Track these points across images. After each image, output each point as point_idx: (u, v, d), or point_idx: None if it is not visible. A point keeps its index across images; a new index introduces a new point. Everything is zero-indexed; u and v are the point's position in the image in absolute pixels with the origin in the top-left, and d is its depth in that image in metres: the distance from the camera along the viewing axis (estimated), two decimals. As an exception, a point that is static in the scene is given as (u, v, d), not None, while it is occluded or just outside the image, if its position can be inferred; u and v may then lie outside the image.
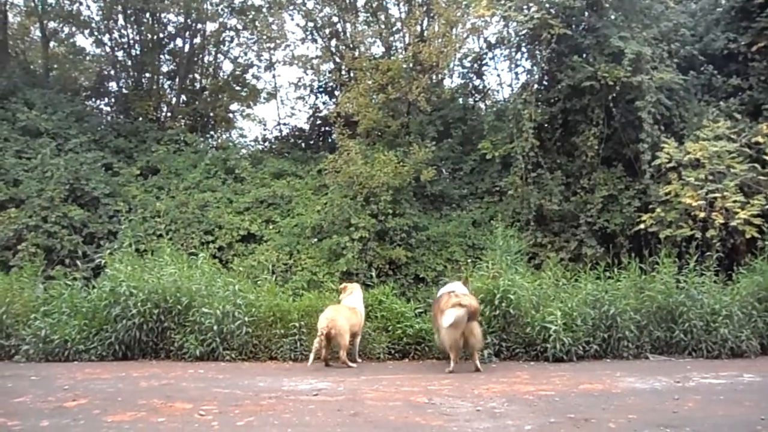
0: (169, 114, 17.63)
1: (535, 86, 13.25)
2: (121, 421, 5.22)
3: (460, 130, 14.23)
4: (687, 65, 13.03)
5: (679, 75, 12.43)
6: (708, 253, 10.06)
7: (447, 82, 16.20)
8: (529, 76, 13.70)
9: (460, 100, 15.62)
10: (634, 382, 6.93)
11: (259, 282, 9.80)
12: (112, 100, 18.10)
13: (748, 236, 10.33)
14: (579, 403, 5.91)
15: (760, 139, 11.41)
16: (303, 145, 17.00)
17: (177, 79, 17.77)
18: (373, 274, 10.84)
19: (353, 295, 8.67)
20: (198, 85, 18.66)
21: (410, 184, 12.52)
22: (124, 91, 17.70)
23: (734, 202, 10.47)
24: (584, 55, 12.52)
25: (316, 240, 11.92)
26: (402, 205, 12.22)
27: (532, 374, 7.45)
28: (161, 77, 18.10)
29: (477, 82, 16.06)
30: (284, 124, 17.97)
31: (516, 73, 14.31)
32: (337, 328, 7.84)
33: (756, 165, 11.11)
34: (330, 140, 15.68)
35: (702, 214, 10.53)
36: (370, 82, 13.49)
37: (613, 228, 11.67)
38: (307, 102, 17.53)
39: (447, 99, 14.80)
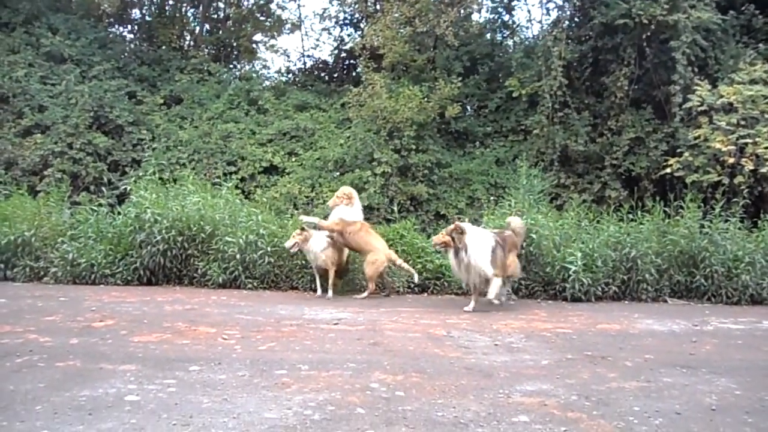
0: (192, 43, 17.50)
1: (566, 23, 12.95)
2: (147, 342, 5.36)
3: (487, 66, 13.97)
4: (726, 4, 12.54)
5: (718, 14, 11.97)
6: (734, 200, 9.92)
7: (475, 17, 15.84)
8: (560, 12, 13.39)
9: (489, 35, 15.31)
10: (652, 324, 6.94)
11: (281, 213, 9.87)
12: (136, 27, 17.94)
13: (776, 183, 10.17)
14: (596, 341, 5.96)
15: (797, 83, 11.08)
16: (327, 77, 16.84)
17: (200, 7, 17.55)
18: (395, 209, 10.87)
19: (356, 205, 8.70)
20: (221, 14, 18.44)
21: (434, 120, 12.43)
22: (147, 18, 17.52)
23: (766, 148, 10.25)
24: (619, -9, 12.11)
25: (338, 173, 11.92)
26: (425, 141, 12.15)
27: (550, 312, 7.50)
28: (185, 5, 17.90)
29: (506, 17, 15.64)
30: (308, 56, 17.80)
31: (547, 9, 14.16)
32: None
33: (792, 111, 10.82)
34: (354, 73, 15.51)
35: (731, 160, 10.35)
36: (396, 15, 13.19)
37: (639, 171, 11.55)
38: (331, 34, 17.27)
39: (475, 34, 14.53)
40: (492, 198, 10.99)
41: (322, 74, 17.11)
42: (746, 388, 4.56)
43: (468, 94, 13.55)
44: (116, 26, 17.84)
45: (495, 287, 7.46)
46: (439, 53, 13.73)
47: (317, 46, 18.04)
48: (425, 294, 8.88)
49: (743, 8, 12.52)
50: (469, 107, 13.72)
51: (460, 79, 12.85)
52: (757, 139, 10.29)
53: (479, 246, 7.37)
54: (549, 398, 4.18)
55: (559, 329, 6.45)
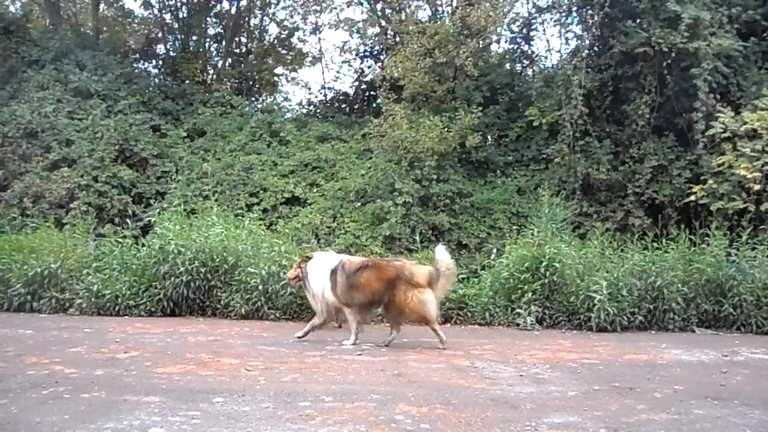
0: (215, 77, 17.80)
1: (586, 52, 12.97)
2: (171, 373, 5.37)
3: (507, 96, 14.02)
4: (748, 31, 12.47)
5: (739, 41, 11.92)
6: (761, 227, 9.79)
7: (494, 47, 15.98)
8: (579, 41, 13.41)
9: (508, 65, 15.37)
10: (680, 354, 6.82)
11: (303, 244, 9.90)
12: (160, 62, 18.32)
13: (805, 210, 10.01)
14: (624, 372, 5.86)
15: (822, 110, 10.95)
16: (347, 109, 16.99)
17: (223, 42, 17.91)
18: (417, 238, 10.86)
19: None
20: (244, 49, 18.78)
21: (455, 150, 12.45)
22: (172, 53, 17.91)
23: (792, 174, 10.13)
24: (638, 20, 12.16)
25: (359, 204, 11.96)
26: (446, 170, 12.17)
27: (575, 343, 7.40)
28: (208, 40, 18.30)
29: (525, 47, 15.68)
30: (329, 88, 17.98)
31: (566, 39, 14.02)
32: None
33: (817, 137, 10.68)
34: (375, 105, 15.64)
35: (757, 187, 10.22)
36: (416, 46, 13.29)
37: (662, 199, 11.43)
38: (352, 66, 17.47)
39: (494, 64, 14.63)
40: (514, 227, 10.93)
41: (343, 106, 17.28)
42: (784, 420, 4.45)
43: (488, 124, 13.58)
44: (141, 62, 18.25)
45: (350, 321, 7.03)
46: (458, 83, 13.81)
47: (338, 78, 18.21)
48: (448, 324, 8.82)
49: (765, 35, 12.45)
50: (489, 137, 13.73)
51: (480, 108, 12.88)
52: (782, 166, 10.18)
53: (317, 271, 6.98)
54: (577, 431, 4.11)
55: (585, 360, 6.36)
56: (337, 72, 18.44)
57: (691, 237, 9.27)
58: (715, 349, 7.12)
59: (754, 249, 9.05)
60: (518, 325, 8.36)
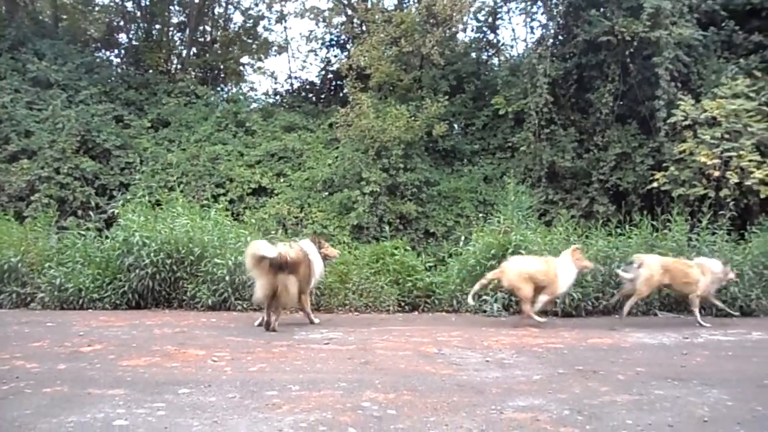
0: (179, 66, 17.55)
1: (551, 41, 13.09)
2: (136, 366, 5.31)
3: (473, 85, 14.09)
4: (707, 21, 12.72)
5: (699, 31, 12.15)
6: (721, 213, 10.01)
7: (461, 36, 16.03)
8: (544, 30, 13.54)
9: (474, 54, 15.44)
10: (643, 338, 6.96)
11: (270, 234, 9.84)
12: (122, 51, 18.02)
13: (762, 196, 10.24)
14: (588, 356, 5.96)
15: (780, 96, 11.22)
16: (314, 98, 16.93)
17: (187, 31, 17.64)
18: (385, 228, 10.88)
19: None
20: (208, 38, 18.55)
21: (422, 139, 12.49)
22: (134, 42, 17.61)
23: (750, 161, 10.36)
24: (601, 9, 12.30)
25: (327, 193, 11.94)
26: (413, 159, 12.20)
27: (541, 328, 7.50)
28: (171, 29, 18.00)
29: (491, 36, 15.83)
30: (295, 77, 17.89)
31: (531, 28, 14.23)
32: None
33: (774, 124, 10.95)
34: (341, 94, 15.59)
35: (716, 173, 10.44)
36: (382, 35, 13.30)
37: (626, 186, 11.62)
38: (318, 55, 17.40)
39: (460, 53, 14.66)
40: (481, 215, 11.01)
41: (310, 95, 17.20)
42: (738, 399, 4.57)
43: (455, 113, 13.65)
44: (103, 51, 17.91)
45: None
46: (425, 72, 13.83)
47: (304, 67, 18.19)
48: (416, 312, 8.87)
49: (723, 24, 12.70)
50: (456, 125, 13.81)
51: (446, 97, 12.94)
52: (741, 152, 10.39)
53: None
54: (541, 413, 4.17)
55: (550, 344, 6.44)
56: (304, 61, 18.42)
57: (654, 223, 9.43)
58: (676, 332, 7.28)
59: (713, 234, 9.25)
60: (485, 311, 8.44)
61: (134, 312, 8.58)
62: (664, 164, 11.22)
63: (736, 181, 10.27)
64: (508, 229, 8.76)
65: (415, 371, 5.23)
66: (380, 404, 4.28)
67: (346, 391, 4.58)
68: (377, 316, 8.38)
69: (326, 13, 16.29)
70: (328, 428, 3.79)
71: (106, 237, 9.50)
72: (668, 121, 11.29)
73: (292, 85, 17.72)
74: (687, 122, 11.06)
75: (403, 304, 8.78)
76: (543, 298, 7.55)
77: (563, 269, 7.59)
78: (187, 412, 4.07)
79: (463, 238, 9.51)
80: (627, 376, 5.17)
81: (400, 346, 6.25)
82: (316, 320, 7.60)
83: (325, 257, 7.72)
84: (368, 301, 8.62)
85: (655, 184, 11.04)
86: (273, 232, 10.18)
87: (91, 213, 11.33)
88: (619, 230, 9.26)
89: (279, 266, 6.80)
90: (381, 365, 5.43)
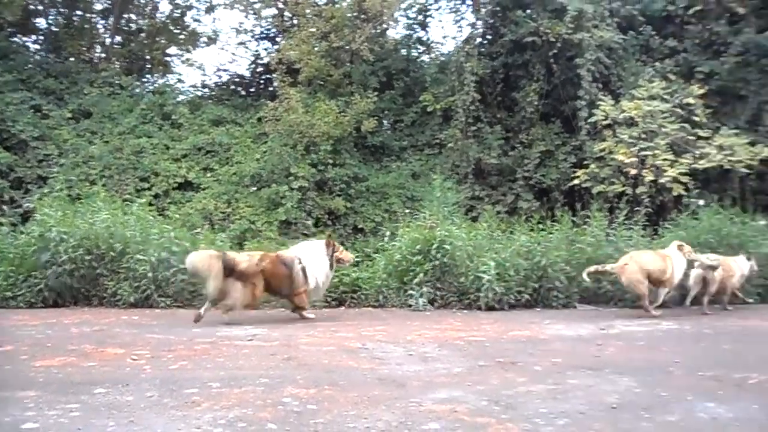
0: (103, 55, 16.92)
1: (478, 40, 13.34)
2: (49, 366, 5.13)
3: (403, 81, 14.20)
4: (627, 25, 13.25)
5: (619, 34, 12.66)
6: (637, 209, 10.44)
7: (391, 33, 16.05)
8: (472, 29, 13.74)
9: (404, 51, 15.53)
10: (561, 329, 7.20)
11: (196, 230, 9.67)
12: (41, 37, 17.17)
13: (675, 193, 10.75)
14: (508, 348, 6.12)
15: (691, 100, 11.80)
16: (243, 92, 16.64)
17: (112, 19, 16.98)
18: (311, 223, 10.86)
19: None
20: (134, 26, 17.94)
21: (351, 135, 12.52)
22: (54, 28, 16.82)
23: (664, 160, 10.87)
24: (527, 11, 12.62)
25: (254, 188, 11.80)
26: (342, 155, 12.22)
27: (464, 322, 7.65)
28: (94, 15, 17.28)
29: (421, 33, 15.98)
30: (224, 70, 17.50)
31: (460, 26, 14.38)
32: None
33: (686, 125, 11.52)
34: (271, 88, 15.40)
35: (633, 171, 10.89)
36: (313, 30, 13.24)
37: (549, 183, 11.97)
38: (248, 48, 17.10)
39: (390, 49, 14.70)
40: (408, 211, 11.13)
41: (239, 88, 16.88)
42: (645, 385, 4.79)
43: (384, 109, 13.72)
44: (18, 36, 17.03)
45: None
46: (355, 68, 13.85)
47: (233, 60, 17.82)
48: (342, 307, 8.89)
49: (641, 29, 13.24)
50: (385, 121, 13.88)
51: (375, 93, 13.01)
52: (656, 152, 10.89)
53: None
54: (460, 405, 4.26)
55: (472, 337, 6.58)
56: (233, 54, 18.07)
57: (574, 219, 9.76)
58: (593, 324, 7.56)
59: (629, 229, 9.63)
60: (410, 306, 8.54)
61: (51, 310, 8.25)
62: (585, 162, 11.62)
63: (652, 178, 10.76)
64: (433, 224, 8.89)
65: (338, 366, 5.26)
66: (301, 399, 4.28)
67: (267, 388, 4.56)
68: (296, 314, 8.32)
69: (256, 5, 16.04)
70: (247, 424, 3.76)
71: (21, 232, 9.11)
72: (589, 121, 11.71)
73: (220, 77, 17.36)
74: (607, 122, 11.51)
75: (329, 299, 8.78)
76: (663, 292, 8.28)
77: (677, 263, 8.21)
78: (103, 412, 3.96)
79: (388, 233, 9.57)
80: (544, 367, 5.34)
81: (324, 342, 6.26)
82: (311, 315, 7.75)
83: (338, 261, 7.87)
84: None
85: (576, 181, 11.43)
86: (199, 228, 9.99)
87: (5, 207, 10.84)
88: (541, 226, 9.53)
89: (229, 271, 7.18)
90: (304, 361, 5.43)
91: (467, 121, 12.28)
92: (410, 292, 8.57)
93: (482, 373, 5.10)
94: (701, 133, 11.49)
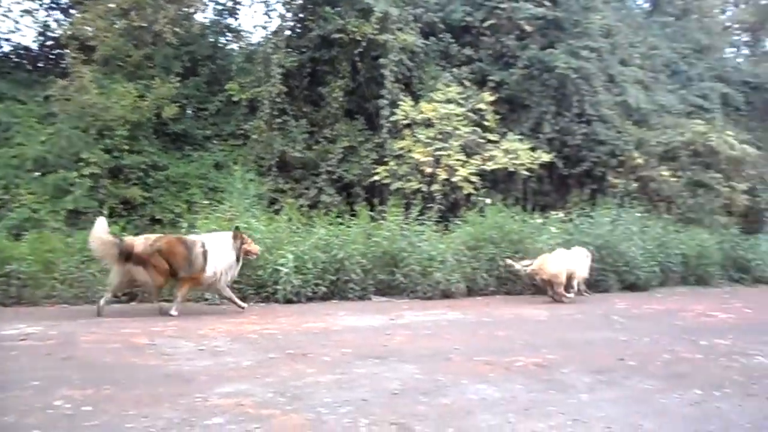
0: None
1: (287, 32, 13.31)
2: None
3: (208, 68, 13.71)
4: (429, 31, 13.95)
5: (421, 39, 13.29)
6: (431, 205, 11.07)
7: (199, 17, 15.45)
8: (282, 21, 13.63)
9: (211, 37, 15.00)
10: (355, 321, 7.45)
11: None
12: None
13: (465, 192, 11.54)
14: (300, 340, 6.21)
15: (483, 106, 12.74)
16: (29, 66, 15.07)
17: None
18: (105, 213, 10.15)
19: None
20: None
21: (150, 121, 11.89)
22: None
23: (456, 160, 11.62)
24: (336, 8, 12.79)
25: (39, 174, 10.77)
26: (140, 141, 11.58)
27: (260, 315, 7.63)
28: None
29: (230, 21, 15.53)
30: (6, 39, 15.72)
31: (270, 17, 14.20)
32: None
33: (477, 129, 12.41)
34: (62, 64, 14.13)
35: (429, 170, 11.52)
36: (111, 5, 12.36)
37: (351, 178, 12.26)
38: (35, 18, 15.48)
39: (197, 34, 14.15)
40: (211, 202, 10.81)
41: (23, 62, 15.26)
42: (426, 372, 5.13)
43: (187, 96, 13.15)
44: None
45: None
46: (157, 51, 13.13)
47: (18, 29, 16.00)
48: (133, 303, 8.44)
49: (441, 36, 14.02)
50: (188, 109, 13.30)
51: (179, 79, 12.47)
52: (449, 152, 11.62)
53: None
54: (246, 398, 4.27)
55: (266, 330, 6.60)
56: (17, 22, 16.24)
57: (372, 213, 10.12)
58: (385, 314, 7.91)
59: (422, 224, 10.19)
60: (207, 300, 8.35)
61: None
62: (386, 159, 12.08)
63: (445, 177, 11.46)
64: (233, 216, 8.75)
65: (121, 364, 5.03)
66: (75, 401, 4.03)
67: (37, 391, 4.24)
68: (89, 308, 7.79)
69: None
70: (6, 433, 3.48)
71: None
72: (390, 120, 12.19)
73: (1, 47, 15.60)
74: (406, 122, 12.07)
75: (118, 294, 8.29)
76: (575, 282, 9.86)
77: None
78: None
79: (186, 225, 9.24)
80: (333, 358, 5.50)
81: (109, 339, 5.93)
82: (175, 313, 7.45)
83: (246, 253, 7.84)
84: (79, 291, 8.00)
85: (377, 177, 11.84)
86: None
87: None
88: (340, 220, 9.77)
89: (126, 256, 7.29)
90: (84, 360, 5.12)
91: (272, 113, 12.20)
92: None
93: (272, 366, 5.15)
94: (490, 137, 12.45)
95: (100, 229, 7.34)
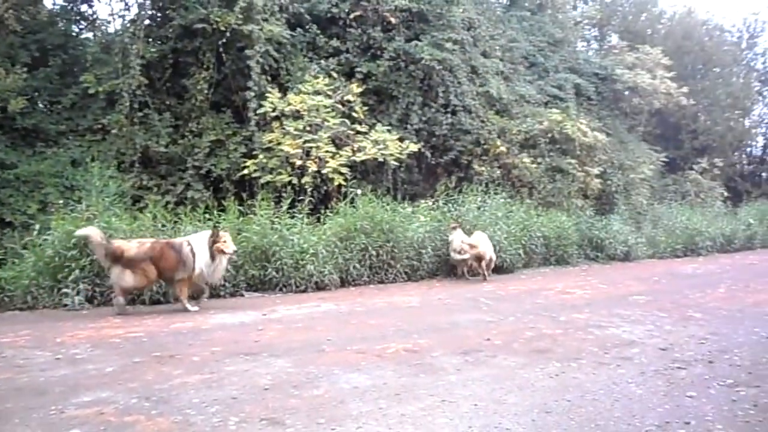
0: None
1: (147, 21, 12.74)
2: None
3: (60, 58, 12.82)
4: (295, 22, 13.81)
5: (288, 30, 13.13)
6: (300, 198, 11.03)
7: (47, 3, 14.42)
8: (140, 9, 13.02)
9: (62, 25, 14.04)
10: (225, 318, 7.28)
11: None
12: None
13: (336, 183, 11.58)
14: (167, 341, 6.00)
15: (351, 97, 12.81)
16: None
17: None
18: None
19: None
20: None
21: (-6, 115, 10.97)
22: None
23: (326, 152, 11.62)
24: (198, -3, 12.39)
25: None
26: (-16, 138, 10.65)
27: (124, 318, 7.27)
28: None
29: (84, 8, 14.61)
30: None
31: (127, 5, 13.52)
32: None
33: (346, 120, 12.46)
34: None
35: (299, 162, 11.44)
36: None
37: (220, 172, 11.94)
38: None
39: (45, 22, 13.18)
40: (68, 202, 10.13)
41: None
42: (298, 365, 5.12)
43: (37, 88, 12.24)
44: None
45: None
46: (0, 39, 12.14)
47: None
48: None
49: (308, 27, 13.93)
50: (39, 102, 12.39)
51: (26, 70, 11.59)
52: (319, 144, 11.59)
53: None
54: (107, 406, 4.08)
55: (131, 334, 6.32)
56: None
57: (241, 208, 9.93)
58: (257, 310, 7.79)
59: (293, 217, 10.14)
60: (66, 305, 7.85)
61: None
62: (255, 152, 11.86)
63: (315, 169, 11.43)
64: (91, 216, 8.29)
65: (-38, 381, 4.63)
66: None
67: None
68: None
69: None
70: None
71: None
72: (258, 112, 11.97)
73: None
74: (275, 114, 11.91)
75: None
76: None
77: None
78: None
79: (37, 227, 8.61)
80: (202, 357, 5.37)
81: (-51, 354, 5.45)
82: (194, 308, 7.84)
83: (219, 251, 7.82)
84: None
85: (246, 171, 11.61)
86: None
87: None
88: (207, 215, 9.52)
89: (114, 258, 7.50)
90: None
91: (133, 106, 11.59)
92: (65, 290, 7.87)
93: (136, 370, 4.95)
94: (359, 128, 12.55)
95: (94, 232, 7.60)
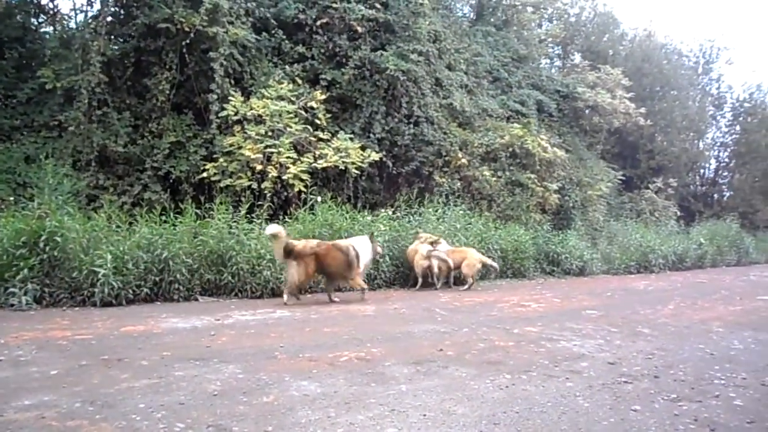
0: None
1: (109, 18, 12.55)
2: None
3: (17, 52, 12.54)
4: (261, 26, 13.76)
5: (253, 34, 13.09)
6: (260, 203, 10.96)
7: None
8: (103, 5, 12.81)
9: (20, 17, 13.72)
10: (177, 323, 7.16)
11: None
12: None
13: (296, 190, 11.54)
14: (116, 344, 5.88)
15: (314, 104, 12.83)
16: None
17: None
18: None
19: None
20: None
21: (-56, 109, 10.64)
22: None
23: (288, 158, 11.58)
24: (163, -4, 12.25)
25: None
26: (-67, 133, 10.32)
27: (73, 319, 7.11)
28: None
29: (44, 1, 14.32)
30: None
31: (90, 1, 13.27)
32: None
33: (309, 127, 12.45)
34: None
35: (260, 167, 11.38)
36: None
37: (179, 174, 11.80)
38: None
39: (2, 13, 12.85)
40: (20, 199, 9.88)
41: None
42: (248, 371, 5.06)
43: (-8, 82, 11.98)
44: None
45: None
46: (-49, 30, 11.83)
47: None
48: None
49: (274, 32, 13.90)
50: (-7, 97, 12.10)
51: (-21, 62, 11.30)
52: (280, 149, 11.55)
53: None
54: (49, 410, 3.97)
55: (78, 336, 6.17)
56: None
57: (198, 211, 9.82)
58: (210, 315, 7.69)
59: (251, 222, 10.06)
60: (12, 305, 7.64)
61: None
62: (215, 156, 11.76)
63: (276, 175, 11.38)
64: (43, 214, 8.09)
65: None
66: None
67: None
68: None
69: None
70: None
71: None
72: (220, 115, 11.88)
73: None
74: (237, 117, 11.83)
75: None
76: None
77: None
78: None
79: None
80: (151, 361, 5.27)
81: None
82: (336, 299, 9.37)
83: (376, 253, 9.96)
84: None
85: (205, 174, 11.49)
86: None
87: None
88: (164, 218, 9.39)
89: (287, 252, 8.72)
90: None
91: (92, 103, 11.39)
92: (12, 290, 7.66)
93: (82, 373, 4.83)
94: (322, 135, 12.56)
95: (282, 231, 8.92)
